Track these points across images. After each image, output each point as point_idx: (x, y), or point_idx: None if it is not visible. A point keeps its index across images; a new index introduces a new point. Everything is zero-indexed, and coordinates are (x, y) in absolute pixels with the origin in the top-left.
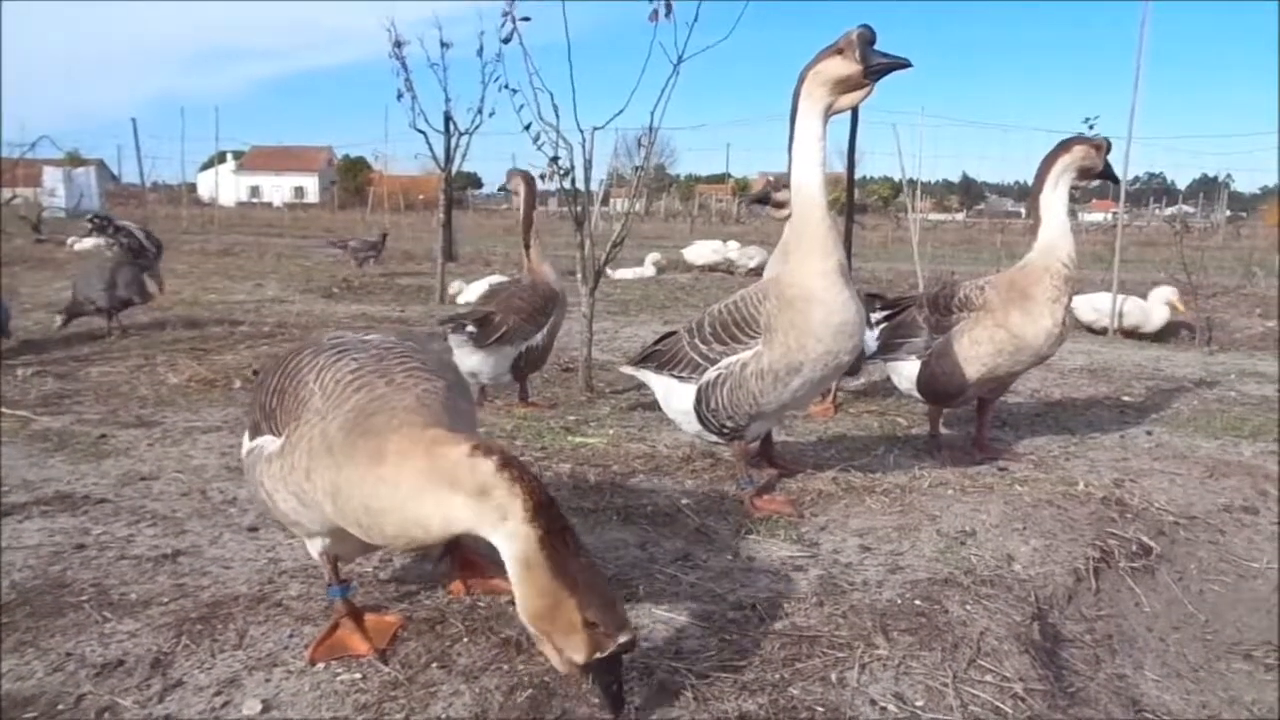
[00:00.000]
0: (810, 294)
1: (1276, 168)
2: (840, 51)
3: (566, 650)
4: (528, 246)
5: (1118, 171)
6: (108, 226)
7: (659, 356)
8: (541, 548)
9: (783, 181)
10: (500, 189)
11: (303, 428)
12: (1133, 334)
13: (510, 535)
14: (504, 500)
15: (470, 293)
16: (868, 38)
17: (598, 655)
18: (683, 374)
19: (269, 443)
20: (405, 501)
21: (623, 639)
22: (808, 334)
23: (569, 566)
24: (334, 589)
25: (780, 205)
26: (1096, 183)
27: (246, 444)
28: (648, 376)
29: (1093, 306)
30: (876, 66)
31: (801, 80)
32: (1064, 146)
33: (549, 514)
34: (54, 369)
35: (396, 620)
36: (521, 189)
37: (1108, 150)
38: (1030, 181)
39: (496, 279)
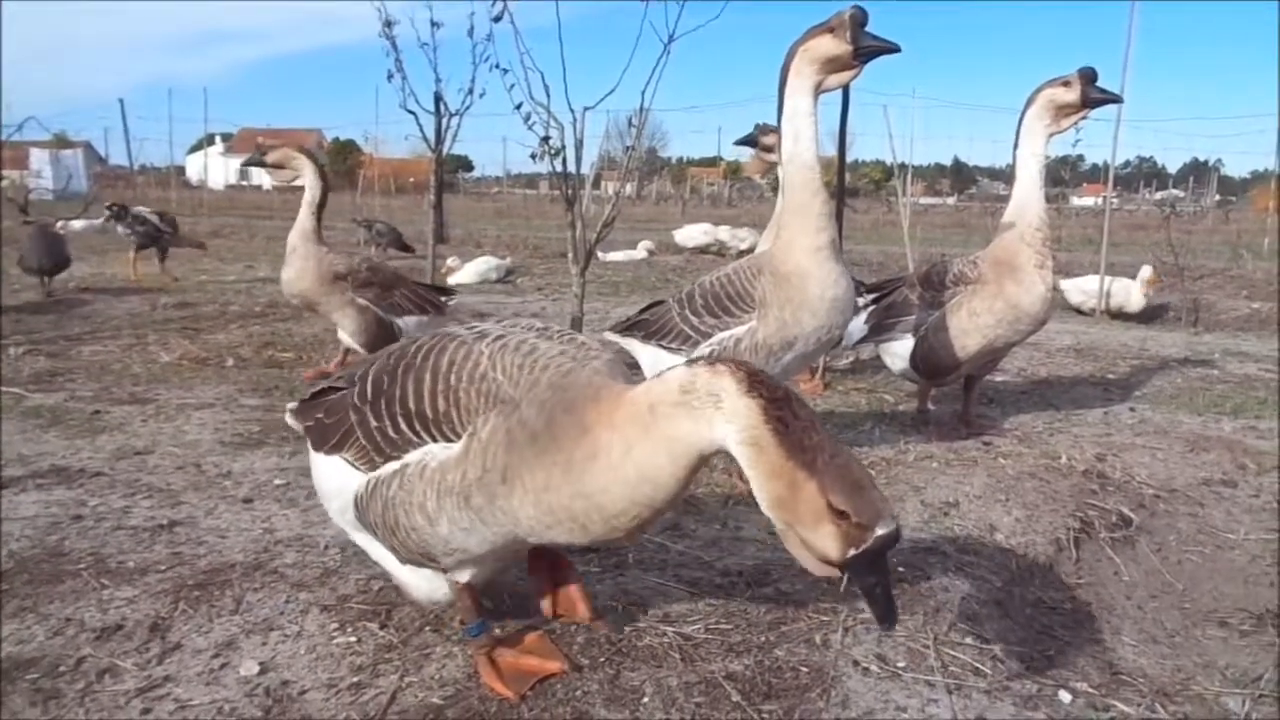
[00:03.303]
0: (804, 270)
1: (1275, 152)
2: (831, 30)
3: (817, 545)
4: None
5: (1106, 156)
6: (124, 215)
7: (646, 326)
8: (767, 419)
9: (771, 127)
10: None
11: (494, 419)
12: (1119, 314)
13: (731, 416)
14: (710, 383)
15: (465, 272)
16: (860, 19)
17: (852, 552)
18: (671, 345)
19: (439, 450)
20: (622, 461)
21: (881, 531)
22: (803, 308)
23: (805, 441)
24: (475, 626)
25: (768, 149)
26: (1089, 113)
27: (380, 467)
28: (633, 345)
29: (1080, 289)
30: (866, 48)
31: (790, 56)
32: (1028, 101)
33: (765, 383)
34: (45, 348)
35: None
36: (307, 171)
37: (1091, 77)
38: None
39: (490, 260)
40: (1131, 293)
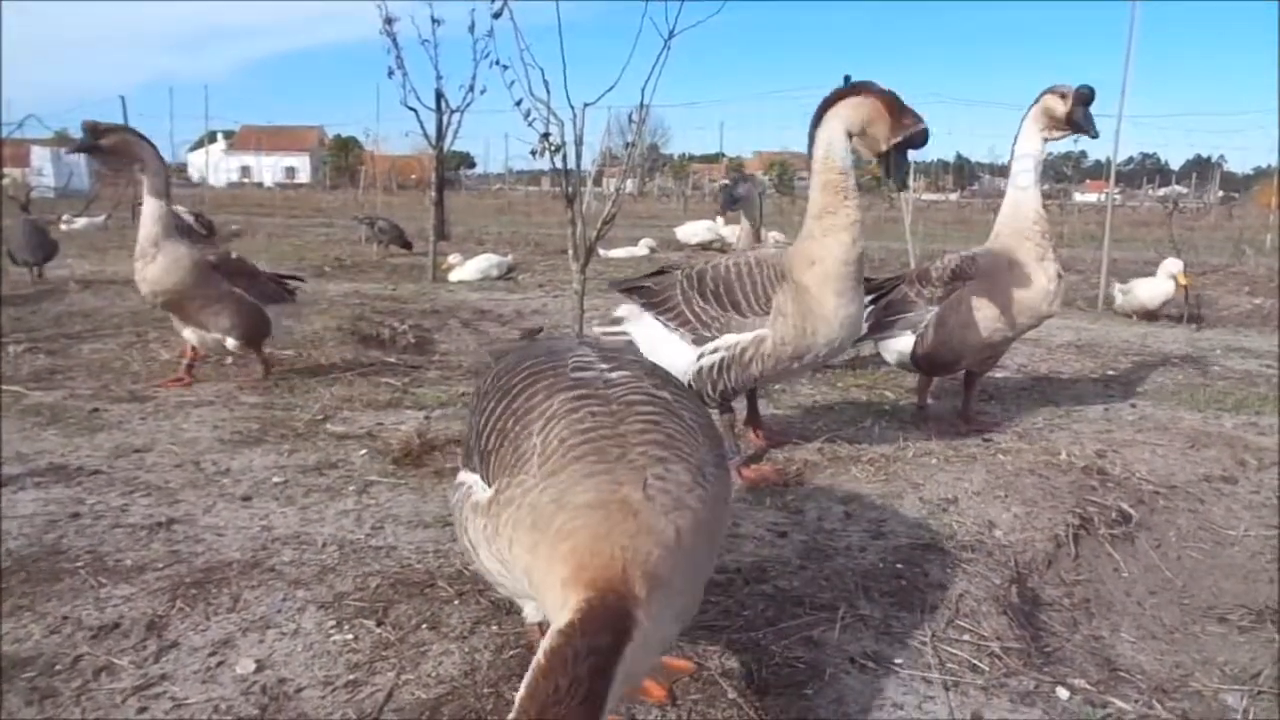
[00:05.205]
0: (827, 285)
1: (1277, 148)
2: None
3: None
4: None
5: (1108, 152)
6: None
7: (650, 294)
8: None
9: (743, 178)
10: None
11: (513, 489)
12: (1143, 312)
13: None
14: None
15: (467, 268)
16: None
17: None
18: (671, 324)
19: (478, 488)
20: (549, 610)
21: None
22: (820, 320)
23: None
24: None
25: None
26: (1068, 133)
27: (461, 471)
28: (632, 310)
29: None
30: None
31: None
32: (1034, 101)
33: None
34: (45, 346)
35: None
36: (147, 155)
37: (1084, 99)
38: None
39: (491, 256)
40: (1156, 289)
